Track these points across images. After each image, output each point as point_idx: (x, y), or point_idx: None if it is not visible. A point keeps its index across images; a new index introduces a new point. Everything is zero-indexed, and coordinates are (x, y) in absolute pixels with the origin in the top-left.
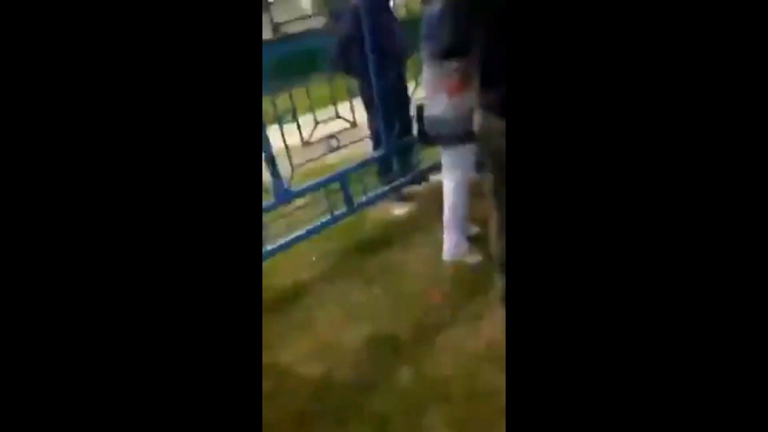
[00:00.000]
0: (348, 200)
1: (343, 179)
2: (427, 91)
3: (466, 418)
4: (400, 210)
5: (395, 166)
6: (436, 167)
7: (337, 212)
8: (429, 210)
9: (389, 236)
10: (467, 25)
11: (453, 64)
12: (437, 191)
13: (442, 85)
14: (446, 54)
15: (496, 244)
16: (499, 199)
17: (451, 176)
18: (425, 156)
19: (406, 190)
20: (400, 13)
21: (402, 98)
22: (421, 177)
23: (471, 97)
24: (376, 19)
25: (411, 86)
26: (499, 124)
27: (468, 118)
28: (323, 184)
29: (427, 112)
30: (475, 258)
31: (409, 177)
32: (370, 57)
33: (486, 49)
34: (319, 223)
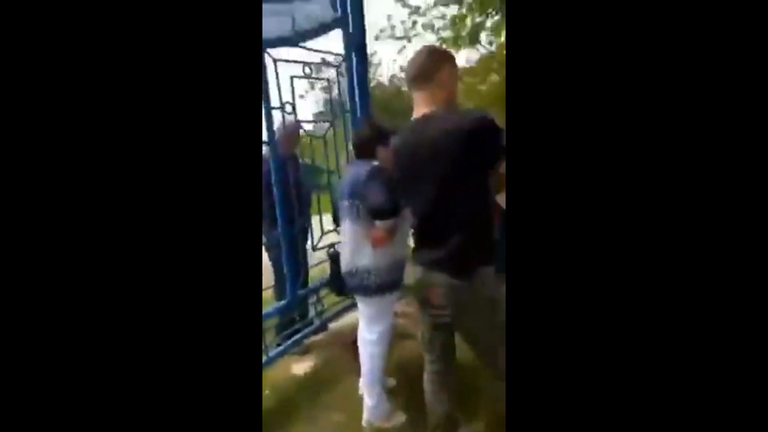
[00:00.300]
0: None
1: None
2: (349, 243)
3: None
4: (302, 366)
5: (296, 317)
6: (337, 315)
7: None
8: (335, 363)
9: (293, 404)
10: (396, 188)
11: (385, 224)
12: (341, 339)
13: (367, 238)
14: (378, 215)
15: (435, 404)
16: (439, 353)
17: (372, 328)
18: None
19: (307, 341)
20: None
21: (304, 246)
22: (324, 326)
23: (397, 248)
24: (285, 166)
25: (316, 233)
26: (443, 280)
27: (398, 268)
28: None
29: (350, 263)
30: (398, 419)
31: (312, 327)
32: (278, 202)
33: (424, 209)
34: None
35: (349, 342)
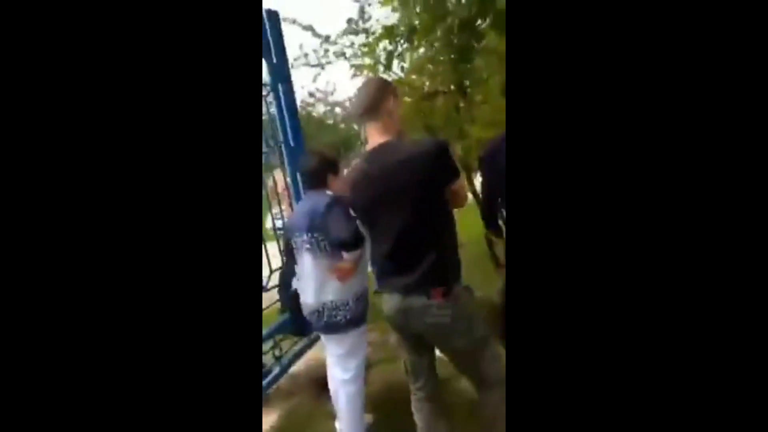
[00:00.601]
0: None
1: None
2: (313, 279)
3: None
4: (267, 420)
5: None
6: (296, 359)
7: None
8: (302, 410)
9: None
10: (356, 216)
11: (353, 254)
12: (307, 383)
13: (331, 272)
14: (345, 246)
15: (432, 430)
16: (426, 378)
17: (346, 366)
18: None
19: (269, 390)
20: None
21: None
22: (284, 372)
23: (361, 278)
24: None
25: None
26: (422, 303)
27: (364, 299)
28: None
29: (314, 301)
30: None
31: (272, 375)
32: None
33: (391, 234)
34: None
35: (318, 385)
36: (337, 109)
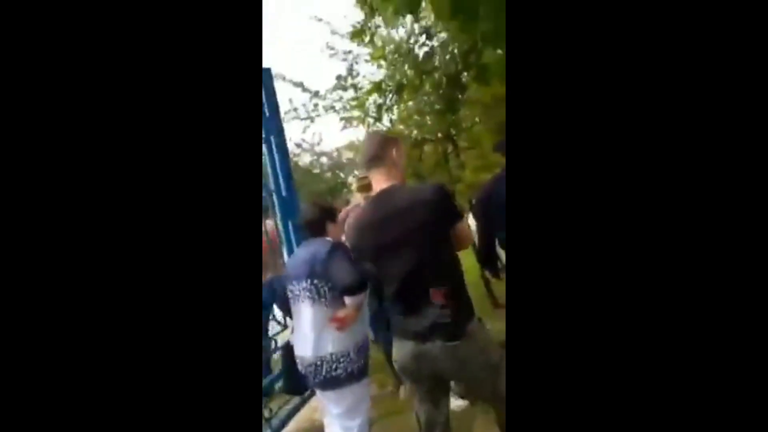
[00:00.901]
0: None
1: None
2: (311, 330)
3: None
4: None
5: None
6: (288, 419)
7: None
8: None
9: None
10: (358, 261)
11: (357, 297)
12: None
13: (331, 322)
14: (349, 291)
15: None
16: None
17: (348, 423)
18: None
19: None
20: None
21: None
22: None
23: (360, 328)
24: None
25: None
26: (438, 348)
27: (365, 349)
28: None
29: (311, 354)
30: None
31: None
32: None
33: (400, 277)
34: None
35: None
36: (323, 159)
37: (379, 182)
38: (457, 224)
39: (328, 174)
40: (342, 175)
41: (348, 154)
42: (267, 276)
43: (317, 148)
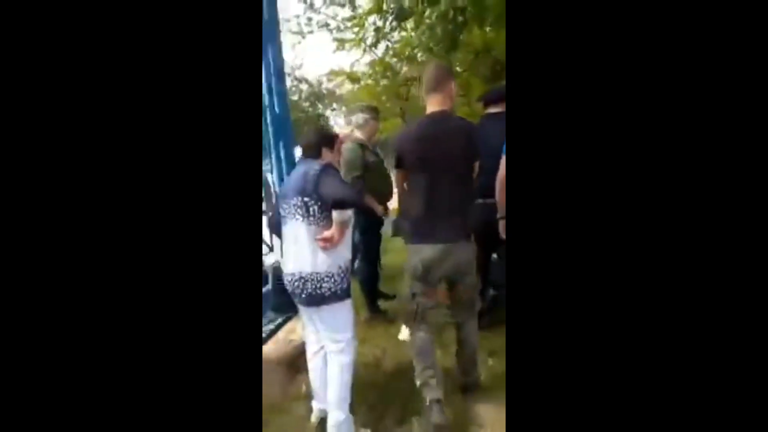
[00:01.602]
0: None
1: None
2: (301, 246)
3: None
4: None
5: None
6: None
7: None
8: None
9: None
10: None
11: (342, 214)
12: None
13: (317, 240)
14: (338, 204)
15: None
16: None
17: (336, 337)
18: None
19: None
20: None
21: None
22: None
23: (344, 252)
24: None
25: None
26: (460, 247)
27: (348, 274)
28: None
29: (305, 268)
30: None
31: None
32: None
33: (441, 187)
34: None
35: (287, 366)
36: (303, 86)
37: (434, 105)
38: (476, 162)
39: (306, 103)
40: (320, 106)
41: (328, 85)
42: None
43: (298, 73)
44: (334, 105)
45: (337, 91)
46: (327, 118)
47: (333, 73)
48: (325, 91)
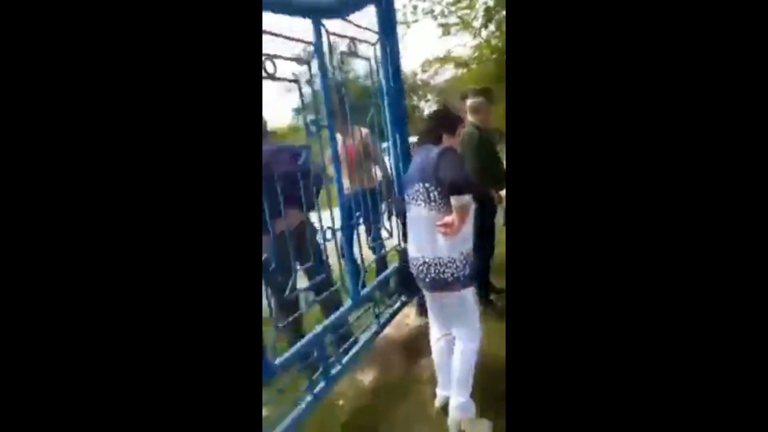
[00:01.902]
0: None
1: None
2: (423, 232)
3: None
4: (367, 377)
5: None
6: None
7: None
8: (396, 372)
9: (370, 413)
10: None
11: (461, 199)
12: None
13: (438, 227)
14: (456, 189)
15: None
16: None
17: (462, 323)
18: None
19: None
20: None
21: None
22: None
23: (465, 241)
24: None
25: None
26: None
27: (471, 262)
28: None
29: (422, 253)
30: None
31: (370, 334)
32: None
33: None
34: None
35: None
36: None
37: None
38: None
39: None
40: (415, 98)
41: (422, 76)
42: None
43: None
44: (428, 96)
45: (431, 82)
46: (422, 109)
47: (437, 60)
48: (419, 83)
